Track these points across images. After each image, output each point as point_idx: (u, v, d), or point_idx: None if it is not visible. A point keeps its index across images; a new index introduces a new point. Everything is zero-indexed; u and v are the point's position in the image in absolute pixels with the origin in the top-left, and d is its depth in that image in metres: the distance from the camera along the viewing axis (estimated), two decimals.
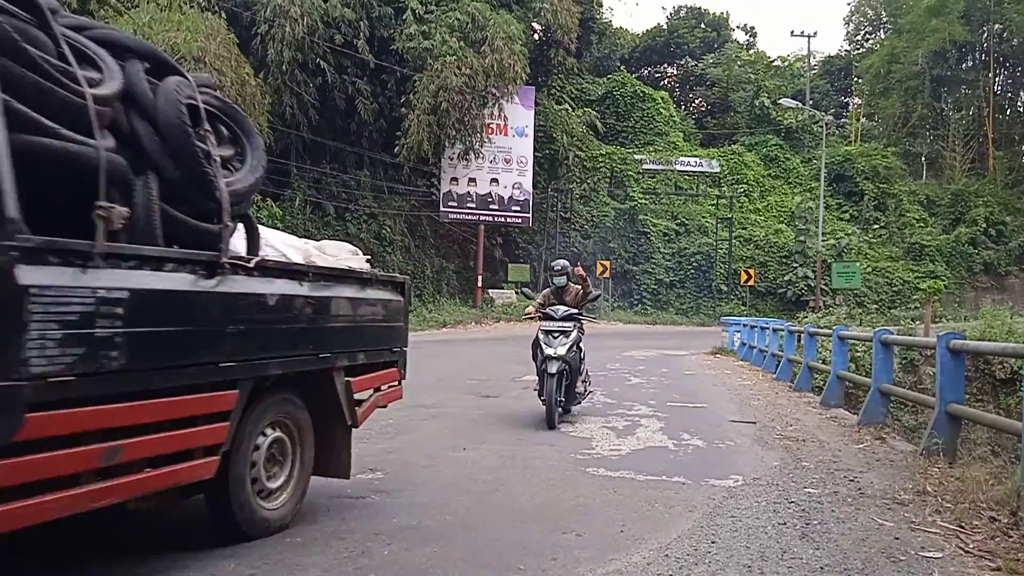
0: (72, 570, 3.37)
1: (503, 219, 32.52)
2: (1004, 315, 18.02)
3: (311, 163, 27.74)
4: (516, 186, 32.10)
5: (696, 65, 49.65)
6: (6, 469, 2.39)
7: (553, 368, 7.37)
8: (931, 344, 6.87)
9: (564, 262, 8.36)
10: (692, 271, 36.73)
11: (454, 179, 31.00)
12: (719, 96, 48.26)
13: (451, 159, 30.18)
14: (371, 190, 28.68)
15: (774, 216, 39.85)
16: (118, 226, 2.84)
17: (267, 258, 3.76)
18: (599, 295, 8.80)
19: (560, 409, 7.61)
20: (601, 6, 42.20)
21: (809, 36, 54.85)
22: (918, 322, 22.03)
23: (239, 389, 3.39)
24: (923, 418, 9.77)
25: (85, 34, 3.27)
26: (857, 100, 54.43)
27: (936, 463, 5.65)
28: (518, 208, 32.19)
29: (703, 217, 38.31)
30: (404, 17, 26.94)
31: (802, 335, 12.18)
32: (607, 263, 33.61)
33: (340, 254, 4.74)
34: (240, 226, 3.76)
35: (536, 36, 33.00)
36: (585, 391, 8.32)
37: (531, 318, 8.27)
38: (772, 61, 51.97)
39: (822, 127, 36.80)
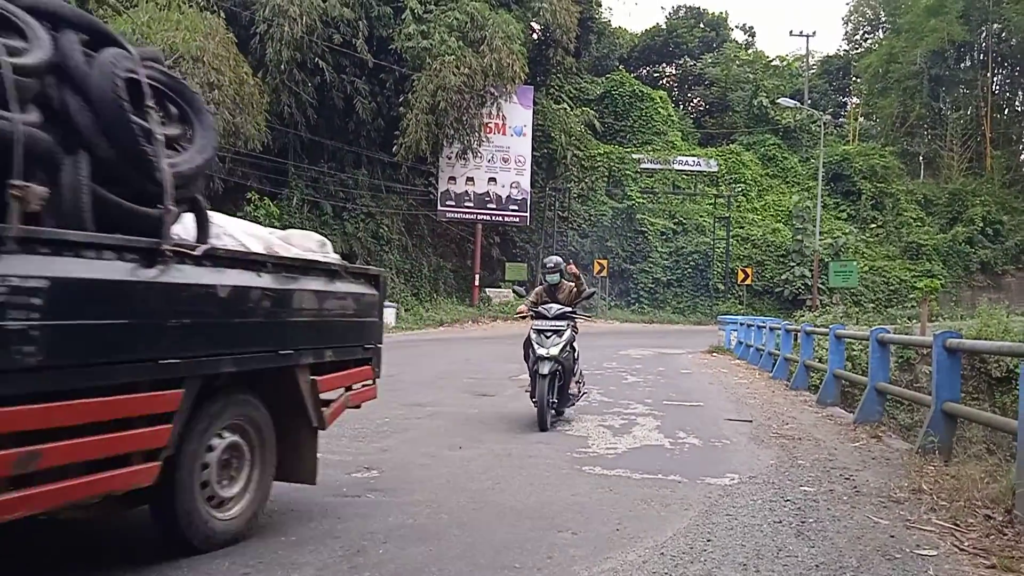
0: (57, 569, 3.35)
1: (501, 218, 32.53)
2: (1000, 314, 18.08)
3: (309, 162, 27.73)
4: (514, 185, 32.12)
5: (695, 65, 49.67)
6: None
7: (545, 368, 7.12)
8: (927, 343, 6.88)
9: (557, 259, 8.11)
10: (689, 270, 36.76)
11: (452, 178, 31.01)
12: (717, 96, 48.27)
13: (449, 158, 30.19)
14: (369, 189, 28.68)
15: (772, 215, 39.87)
16: (36, 207, 2.61)
17: (218, 246, 3.46)
18: (593, 292, 8.46)
19: (553, 411, 7.36)
20: (600, 6, 42.21)
21: (808, 36, 55.08)
22: (915, 321, 22.11)
23: (185, 388, 3.11)
24: (919, 416, 9.78)
25: (14, 1, 3.01)
26: (855, 100, 54.53)
27: (932, 461, 5.66)
28: (516, 207, 32.20)
29: (701, 216, 38.32)
30: (403, 17, 26.93)
31: (799, 334, 12.20)
32: (604, 262, 33.64)
33: (306, 244, 4.40)
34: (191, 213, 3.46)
35: (535, 35, 32.99)
36: (579, 392, 8.02)
37: (523, 317, 8.00)
38: (770, 61, 52.01)
39: (820, 127, 36.81)
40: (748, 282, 34.98)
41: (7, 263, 2.42)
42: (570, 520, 4.20)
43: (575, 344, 7.65)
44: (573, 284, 7.94)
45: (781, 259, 36.75)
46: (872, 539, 3.97)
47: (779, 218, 39.47)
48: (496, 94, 28.57)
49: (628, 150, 39.24)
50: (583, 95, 40.50)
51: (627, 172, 38.21)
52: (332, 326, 4.21)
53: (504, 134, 31.62)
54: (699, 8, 53.92)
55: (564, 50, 33.75)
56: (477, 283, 31.01)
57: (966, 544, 3.87)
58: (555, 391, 7.30)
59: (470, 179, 31.08)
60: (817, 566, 3.54)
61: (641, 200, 37.59)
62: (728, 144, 43.86)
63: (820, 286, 32.19)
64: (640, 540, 3.88)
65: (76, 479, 2.70)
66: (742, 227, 37.97)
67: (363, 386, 4.58)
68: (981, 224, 39.42)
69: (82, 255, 2.69)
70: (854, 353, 12.24)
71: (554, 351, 7.18)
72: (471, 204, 31.30)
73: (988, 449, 6.95)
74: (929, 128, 47.71)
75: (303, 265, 3.96)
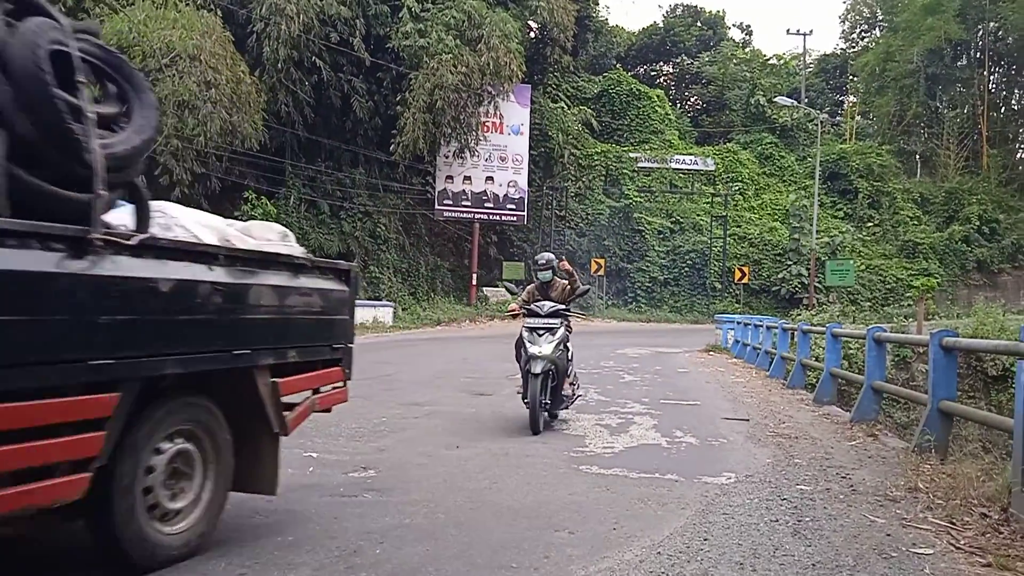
0: (56, 570, 3.35)
1: (498, 217, 32.55)
2: (996, 312, 18.14)
3: (306, 161, 27.71)
4: (511, 184, 32.13)
5: (692, 63, 49.69)
6: None
7: (537, 368, 6.86)
8: (924, 341, 6.89)
9: (549, 255, 7.79)
10: (686, 269, 36.81)
11: (449, 177, 31.02)
12: (715, 94, 48.29)
13: (446, 157, 30.18)
14: (366, 188, 28.67)
15: (768, 214, 39.94)
16: None
17: (159, 236, 3.18)
18: (588, 289, 8.15)
19: (545, 413, 7.15)
20: (597, 4, 42.25)
21: (805, 34, 55.58)
22: (911, 319, 22.15)
23: (121, 392, 2.81)
24: (915, 415, 9.80)
25: None
26: (852, 98, 54.53)
27: (928, 460, 5.67)
28: (513, 206, 32.21)
29: (698, 215, 38.37)
30: (400, 15, 26.90)
31: (795, 332, 12.21)
32: (602, 261, 33.67)
33: (266, 236, 4.09)
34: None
35: (532, 34, 33.01)
36: (573, 394, 7.69)
37: (515, 315, 7.69)
38: (768, 59, 52.01)
39: (817, 125, 36.81)
40: (745, 281, 35.04)
41: None
42: (567, 519, 4.21)
43: (569, 344, 7.41)
44: (566, 281, 7.66)
45: (778, 258, 36.81)
46: (868, 537, 3.97)
47: (776, 217, 39.54)
48: (493, 93, 28.55)
49: (625, 149, 39.28)
50: (580, 94, 40.51)
51: (624, 171, 38.24)
52: (296, 324, 3.89)
53: (501, 133, 31.62)
54: (696, 7, 53.93)
55: (561, 49, 33.74)
56: (474, 282, 31.01)
57: (962, 542, 3.88)
58: (548, 392, 7.07)
59: (467, 178, 31.08)
60: (814, 565, 3.54)
61: (638, 199, 37.63)
62: (725, 143, 43.94)
63: (817, 285, 32.25)
64: (637, 539, 3.88)
65: None
66: (739, 226, 38.03)
67: (332, 388, 4.25)
68: (977, 223, 39.49)
69: None
70: (851, 352, 12.27)
71: (547, 350, 6.95)
72: (468, 203, 31.30)
73: (984, 447, 6.96)
74: (926, 127, 47.77)
75: (262, 258, 3.65)
